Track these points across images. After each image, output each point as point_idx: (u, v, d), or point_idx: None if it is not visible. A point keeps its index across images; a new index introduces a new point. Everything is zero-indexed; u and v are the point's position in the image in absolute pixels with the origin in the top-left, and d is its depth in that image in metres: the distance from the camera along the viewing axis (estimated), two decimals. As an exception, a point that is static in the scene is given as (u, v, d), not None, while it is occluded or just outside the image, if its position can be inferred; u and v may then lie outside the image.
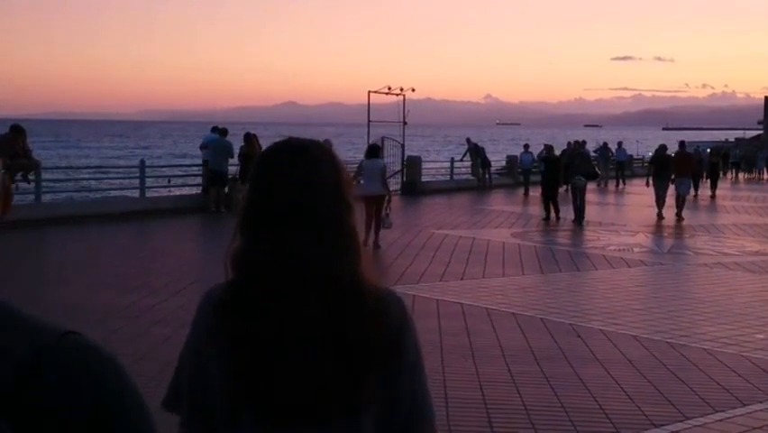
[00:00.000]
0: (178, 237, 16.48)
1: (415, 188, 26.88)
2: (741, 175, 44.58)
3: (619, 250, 15.22)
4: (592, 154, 30.59)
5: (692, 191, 23.03)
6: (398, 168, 26.86)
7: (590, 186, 21.89)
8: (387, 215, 14.74)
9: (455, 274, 12.14)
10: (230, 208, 18.64)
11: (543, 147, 26.44)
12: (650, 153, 51.57)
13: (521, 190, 28.73)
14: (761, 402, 6.53)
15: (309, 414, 1.65)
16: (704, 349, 8.15)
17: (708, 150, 40.45)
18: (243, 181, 17.81)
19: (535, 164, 29.54)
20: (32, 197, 18.10)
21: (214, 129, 21.46)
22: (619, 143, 36.99)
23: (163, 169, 30.68)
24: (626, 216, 22.74)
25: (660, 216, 21.10)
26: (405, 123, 27.37)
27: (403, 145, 27.17)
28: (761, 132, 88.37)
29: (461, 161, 31.86)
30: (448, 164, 32.66)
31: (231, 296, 1.71)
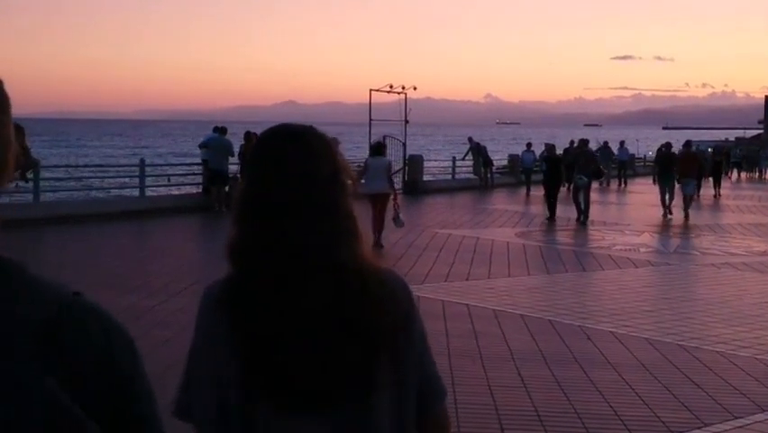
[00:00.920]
0: (178, 237, 16.29)
1: (416, 187, 26.72)
2: (743, 174, 44.42)
3: (625, 250, 15.03)
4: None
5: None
6: (400, 167, 26.67)
7: (593, 185, 21.70)
8: (397, 214, 14.59)
9: (460, 275, 11.95)
10: (230, 208, 18.47)
11: (544, 146, 26.29)
12: (650, 153, 51.67)
13: (523, 190, 28.58)
14: (780, 408, 6.34)
15: (324, 400, 1.64)
16: (717, 352, 7.96)
17: (710, 149, 40.29)
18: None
19: (537, 163, 29.38)
20: (30, 196, 17.91)
21: (216, 129, 21.30)
22: (621, 143, 36.79)
23: (164, 167, 30.51)
24: (630, 215, 22.56)
25: (669, 213, 21.04)
26: (407, 121, 27.19)
27: (404, 144, 26.98)
28: (761, 131, 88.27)
29: (463, 160, 31.70)
30: (449, 163, 32.50)
31: (232, 290, 1.69)
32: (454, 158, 32.61)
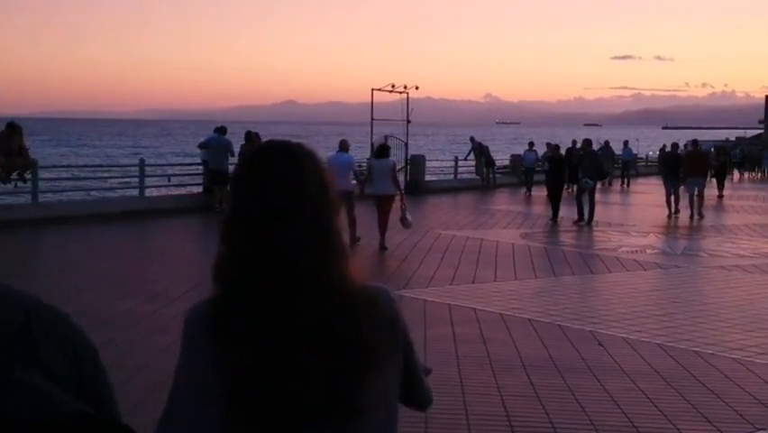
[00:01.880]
0: (178, 238, 16.06)
1: (419, 187, 26.51)
2: (746, 174, 44.20)
3: (632, 252, 14.81)
4: (595, 153, 30.19)
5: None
6: (401, 167, 26.45)
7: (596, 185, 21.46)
8: (404, 214, 14.44)
9: (466, 277, 11.73)
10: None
11: (546, 146, 26.05)
12: (650, 153, 51.45)
13: (525, 190, 28.33)
14: (802, 418, 6.12)
15: (311, 422, 1.63)
16: (733, 359, 7.74)
17: (711, 148, 40.03)
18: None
19: (539, 163, 29.19)
20: (28, 196, 17.70)
21: (217, 130, 21.10)
22: (625, 142, 36.56)
23: (164, 167, 30.27)
24: (634, 216, 22.34)
25: (676, 213, 20.95)
26: (408, 121, 26.97)
27: (406, 144, 26.77)
28: (761, 131, 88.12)
29: (465, 160, 31.50)
30: (451, 163, 32.30)
31: (215, 315, 1.66)
32: (456, 158, 32.43)
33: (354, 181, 15.08)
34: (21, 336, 1.16)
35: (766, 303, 10.55)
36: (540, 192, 25.88)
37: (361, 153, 31.07)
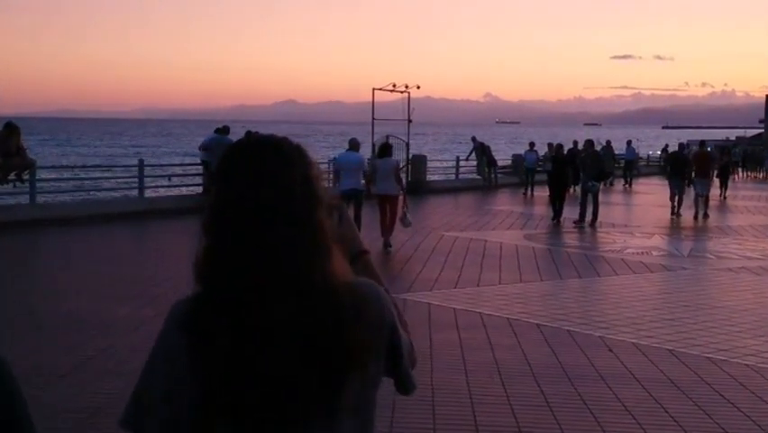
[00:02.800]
0: (178, 239, 15.78)
1: (420, 187, 26.33)
2: (745, 174, 44.02)
3: (638, 253, 14.61)
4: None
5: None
6: (402, 166, 26.25)
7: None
8: (405, 214, 14.37)
9: (470, 280, 11.53)
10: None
11: (548, 146, 25.82)
12: (651, 152, 51.23)
13: (526, 190, 28.07)
14: (822, 429, 5.92)
15: (282, 421, 1.59)
16: (747, 365, 7.54)
17: (710, 148, 39.79)
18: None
19: (540, 163, 28.99)
20: (26, 197, 17.49)
21: (218, 130, 20.89)
22: (628, 142, 36.36)
23: (164, 167, 30.05)
24: (638, 216, 22.14)
25: (678, 215, 20.88)
26: (410, 120, 26.78)
27: (408, 144, 26.57)
28: (761, 130, 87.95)
29: (467, 159, 31.31)
30: (453, 163, 32.11)
31: (194, 310, 1.63)
32: (458, 158, 32.25)
33: (363, 181, 14.93)
34: None
35: (777, 307, 10.35)
36: (541, 192, 25.70)
37: (362, 153, 30.82)
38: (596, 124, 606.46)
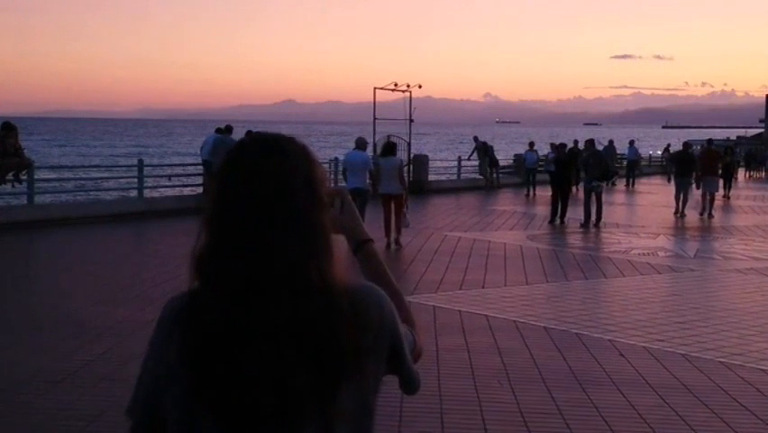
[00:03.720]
0: (178, 241, 15.56)
1: (422, 187, 26.13)
2: (750, 174, 43.81)
3: (644, 254, 14.40)
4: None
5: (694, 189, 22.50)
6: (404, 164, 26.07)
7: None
8: (405, 214, 14.28)
9: (475, 282, 11.32)
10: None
11: (550, 147, 25.58)
12: (651, 152, 50.96)
13: (526, 191, 27.84)
14: None
15: (272, 421, 1.55)
16: (763, 370, 7.34)
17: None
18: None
19: (541, 163, 28.77)
20: (24, 197, 17.29)
21: (219, 130, 20.68)
22: (631, 142, 36.11)
23: (163, 167, 29.84)
24: (642, 216, 21.92)
25: (682, 215, 20.81)
26: (411, 120, 26.58)
27: (409, 144, 26.36)
28: (762, 130, 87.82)
29: (469, 159, 31.11)
30: (454, 163, 31.91)
31: (188, 306, 1.61)
32: (460, 157, 32.05)
33: (369, 180, 14.82)
34: None
35: (789, 309, 10.14)
36: (543, 192, 25.52)
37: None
38: (596, 124, 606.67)
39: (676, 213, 21.25)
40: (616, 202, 25.27)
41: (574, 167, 20.69)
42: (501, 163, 32.31)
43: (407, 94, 26.76)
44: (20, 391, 6.26)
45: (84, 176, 27.00)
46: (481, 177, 29.78)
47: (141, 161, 20.43)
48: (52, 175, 23.77)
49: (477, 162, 30.42)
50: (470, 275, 11.84)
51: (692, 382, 6.86)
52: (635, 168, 34.58)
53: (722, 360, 7.62)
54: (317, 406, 1.56)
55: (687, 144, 22.57)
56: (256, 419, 1.56)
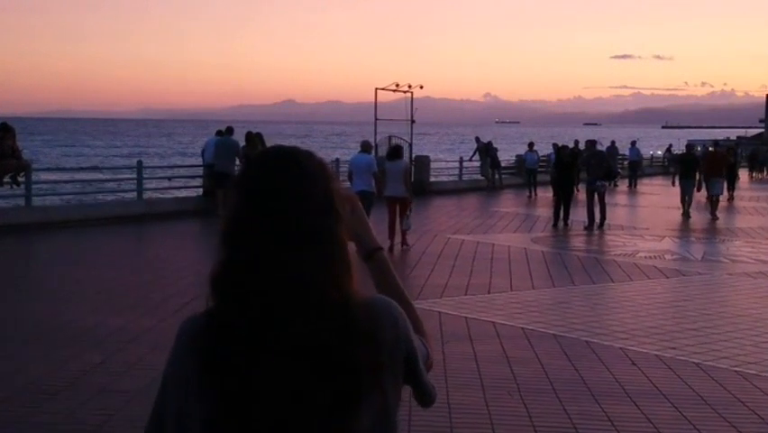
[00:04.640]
0: (178, 243, 15.42)
1: (423, 188, 25.94)
2: (752, 175, 43.60)
3: (650, 257, 14.21)
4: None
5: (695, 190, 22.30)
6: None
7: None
8: (407, 216, 14.17)
9: (481, 287, 11.12)
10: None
11: (552, 147, 25.36)
12: (652, 152, 50.72)
13: (528, 192, 27.61)
14: None
15: None
16: (779, 380, 7.14)
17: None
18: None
19: (541, 163, 28.52)
20: (21, 200, 17.09)
21: (219, 133, 20.45)
22: (633, 142, 35.89)
23: (163, 168, 29.65)
24: (646, 218, 21.69)
25: (686, 216, 20.65)
26: (413, 121, 26.41)
27: (411, 144, 26.17)
28: (762, 130, 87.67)
29: (470, 160, 30.93)
30: (456, 164, 31.72)
31: (208, 331, 1.58)
32: (461, 158, 31.87)
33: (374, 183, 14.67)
34: None
35: (802, 315, 9.93)
36: (545, 193, 25.33)
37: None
38: (595, 124, 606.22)
39: (687, 217, 21.04)
40: (619, 203, 25.07)
41: (576, 168, 20.46)
42: (503, 164, 32.12)
43: (408, 94, 26.59)
44: (14, 404, 6.06)
45: (83, 177, 26.78)
46: (483, 178, 29.59)
47: (140, 163, 20.20)
48: (51, 177, 23.56)
49: (479, 163, 30.23)
50: (475, 279, 11.65)
51: (708, 393, 6.66)
52: (637, 169, 34.34)
53: (737, 369, 7.42)
54: (338, 423, 1.55)
55: (690, 146, 22.41)
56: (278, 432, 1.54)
